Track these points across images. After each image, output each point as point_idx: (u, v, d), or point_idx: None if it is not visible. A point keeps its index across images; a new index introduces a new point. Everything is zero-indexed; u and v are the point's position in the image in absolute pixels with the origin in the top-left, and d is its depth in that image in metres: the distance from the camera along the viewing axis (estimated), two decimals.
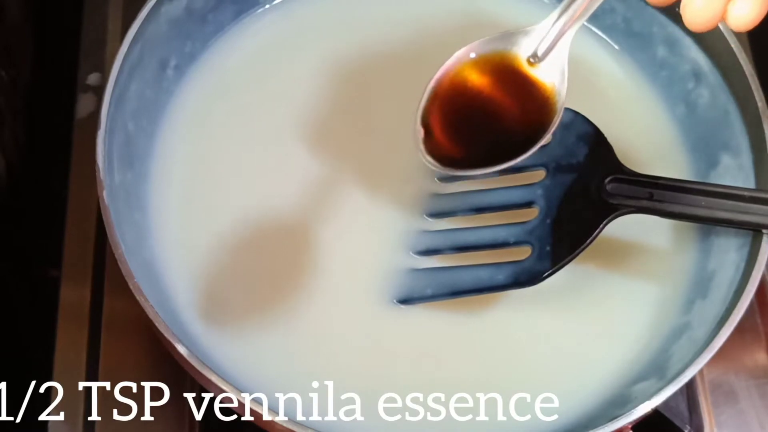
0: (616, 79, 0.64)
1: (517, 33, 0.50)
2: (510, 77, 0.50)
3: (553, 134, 0.55)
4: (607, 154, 0.54)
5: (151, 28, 0.57)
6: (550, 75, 0.50)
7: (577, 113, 0.55)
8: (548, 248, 0.53)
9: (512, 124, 0.50)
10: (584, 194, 0.53)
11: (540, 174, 0.55)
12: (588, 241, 0.52)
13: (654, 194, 0.53)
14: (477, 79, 0.50)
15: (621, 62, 0.64)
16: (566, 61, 0.49)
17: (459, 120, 0.50)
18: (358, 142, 0.60)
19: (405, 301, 0.56)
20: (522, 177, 0.56)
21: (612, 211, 0.52)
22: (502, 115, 0.50)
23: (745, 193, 0.53)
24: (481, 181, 0.57)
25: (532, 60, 0.50)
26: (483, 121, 0.51)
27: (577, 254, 0.52)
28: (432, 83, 0.50)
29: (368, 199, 0.58)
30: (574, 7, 0.48)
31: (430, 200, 0.58)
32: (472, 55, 0.50)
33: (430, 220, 0.58)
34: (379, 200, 0.58)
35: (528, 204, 0.55)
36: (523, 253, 0.54)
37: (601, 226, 0.52)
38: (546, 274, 0.52)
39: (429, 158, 0.50)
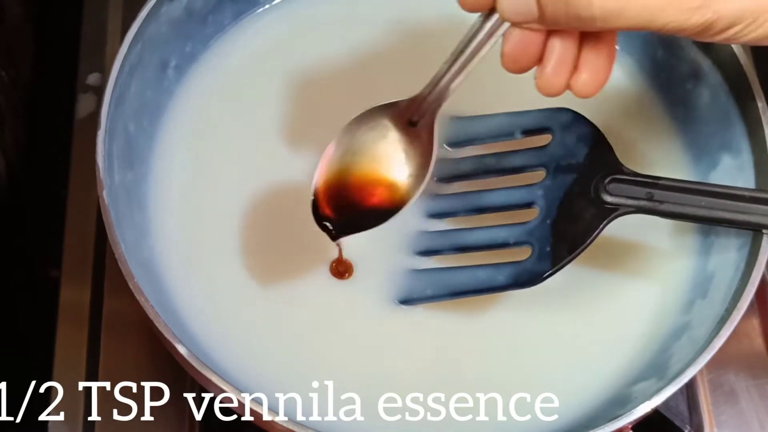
0: (616, 80, 0.64)
1: (398, 102, 0.51)
2: (390, 142, 0.52)
3: (554, 134, 0.55)
4: (607, 155, 0.54)
5: (152, 28, 0.57)
6: (424, 133, 0.51)
7: (577, 114, 0.55)
8: (548, 249, 0.53)
9: (392, 183, 0.52)
10: (584, 195, 0.53)
11: (540, 174, 0.55)
12: (588, 242, 0.52)
13: (654, 194, 0.52)
14: (362, 147, 0.52)
15: (620, 63, 0.64)
16: (436, 121, 0.51)
17: (347, 184, 0.52)
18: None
19: (405, 301, 0.56)
20: (522, 178, 0.56)
21: (612, 211, 0.52)
22: (385, 176, 0.52)
23: (746, 193, 0.53)
24: (481, 181, 0.57)
25: (410, 124, 0.51)
26: (369, 183, 0.52)
27: (577, 255, 0.52)
28: (326, 152, 0.52)
29: None
30: (439, 87, 0.50)
31: (430, 201, 0.58)
32: (357, 125, 0.52)
33: (430, 220, 0.58)
34: None
35: (528, 204, 0.55)
36: (523, 253, 0.53)
37: (600, 226, 0.52)
38: (545, 274, 0.52)
39: (324, 224, 0.51)
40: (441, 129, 0.52)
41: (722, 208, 0.52)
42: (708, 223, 0.55)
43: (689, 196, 0.52)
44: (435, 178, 0.58)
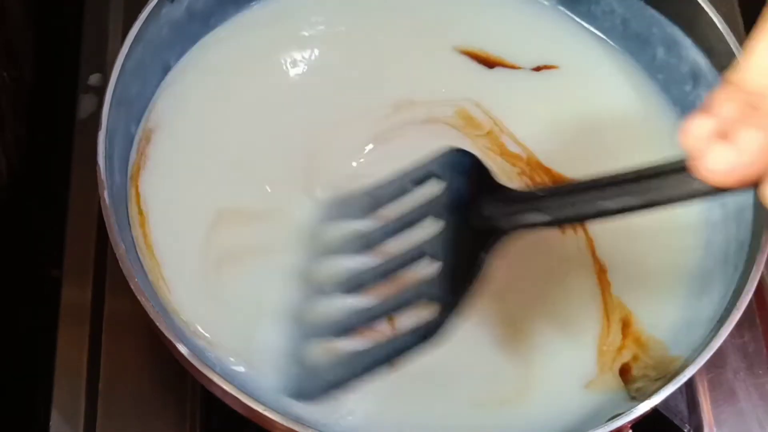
0: (615, 80, 0.64)
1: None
2: None
3: (440, 178, 0.52)
4: (484, 179, 0.51)
5: (152, 29, 0.58)
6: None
7: (453, 149, 0.52)
8: (448, 297, 0.49)
9: None
10: (467, 227, 0.49)
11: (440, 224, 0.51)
12: (473, 280, 0.48)
13: (539, 207, 0.49)
14: None
15: (620, 63, 0.64)
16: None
17: None
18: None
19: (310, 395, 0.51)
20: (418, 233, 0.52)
21: (488, 236, 0.49)
22: None
23: (630, 176, 0.47)
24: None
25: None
26: None
27: (465, 296, 0.48)
28: None
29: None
30: None
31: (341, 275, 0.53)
32: None
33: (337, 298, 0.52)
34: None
35: (431, 257, 0.50)
36: (430, 309, 0.49)
37: (480, 256, 0.49)
38: (439, 325, 0.48)
39: None
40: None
41: (611, 197, 0.47)
42: (601, 217, 0.49)
43: (575, 197, 0.48)
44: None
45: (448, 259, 0.49)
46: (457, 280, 0.49)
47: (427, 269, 0.50)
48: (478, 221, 0.50)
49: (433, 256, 0.50)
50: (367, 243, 0.52)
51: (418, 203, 0.51)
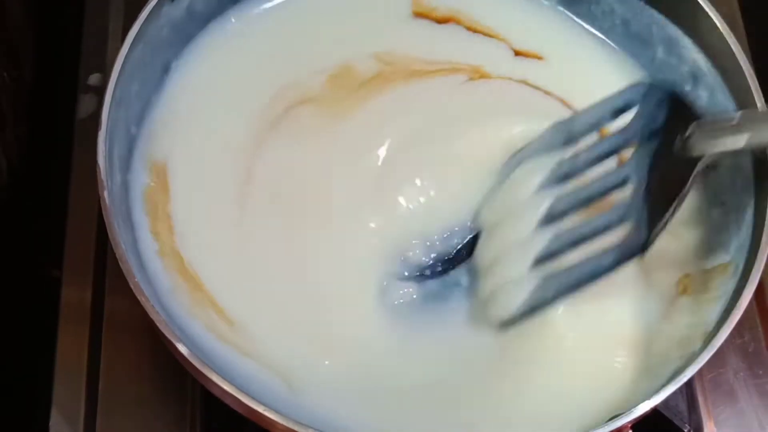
0: (615, 81, 0.64)
1: None
2: None
3: (638, 107, 0.55)
4: (685, 111, 0.54)
5: (152, 29, 0.58)
6: None
7: (650, 84, 0.56)
8: (645, 216, 0.53)
9: None
10: (669, 153, 0.53)
11: (631, 150, 0.55)
12: (681, 195, 0.52)
13: (740, 125, 0.52)
14: None
15: (620, 63, 0.64)
16: None
17: None
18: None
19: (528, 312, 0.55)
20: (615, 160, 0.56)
21: (697, 160, 0.52)
22: None
23: None
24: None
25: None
26: None
27: (674, 211, 0.52)
28: None
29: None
30: None
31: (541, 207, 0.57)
32: None
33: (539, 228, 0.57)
34: None
35: (624, 182, 0.55)
36: (623, 232, 0.54)
37: (691, 177, 0.52)
38: (647, 241, 0.52)
39: None
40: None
41: None
42: None
43: None
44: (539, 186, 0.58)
45: (652, 183, 0.53)
46: (662, 201, 0.52)
47: (628, 192, 0.54)
48: (683, 147, 0.53)
49: (635, 182, 0.54)
50: (568, 172, 0.56)
51: (618, 130, 0.56)
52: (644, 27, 0.63)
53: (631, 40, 0.64)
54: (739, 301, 0.52)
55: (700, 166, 0.52)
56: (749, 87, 0.57)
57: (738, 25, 0.72)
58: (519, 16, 0.65)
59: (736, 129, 0.52)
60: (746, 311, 0.52)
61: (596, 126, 0.57)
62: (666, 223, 0.53)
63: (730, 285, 0.54)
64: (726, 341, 0.51)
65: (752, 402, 0.62)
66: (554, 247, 0.55)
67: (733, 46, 0.58)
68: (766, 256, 0.53)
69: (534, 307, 0.55)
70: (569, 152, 0.57)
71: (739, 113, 0.55)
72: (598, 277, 0.54)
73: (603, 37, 0.65)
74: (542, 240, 0.55)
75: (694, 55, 0.61)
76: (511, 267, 0.56)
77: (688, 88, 0.61)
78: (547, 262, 0.55)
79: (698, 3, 0.59)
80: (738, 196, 0.57)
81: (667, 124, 0.54)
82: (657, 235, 0.53)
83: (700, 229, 0.59)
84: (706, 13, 0.59)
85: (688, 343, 0.54)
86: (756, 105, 0.56)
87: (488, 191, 0.58)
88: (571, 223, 0.56)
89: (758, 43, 0.69)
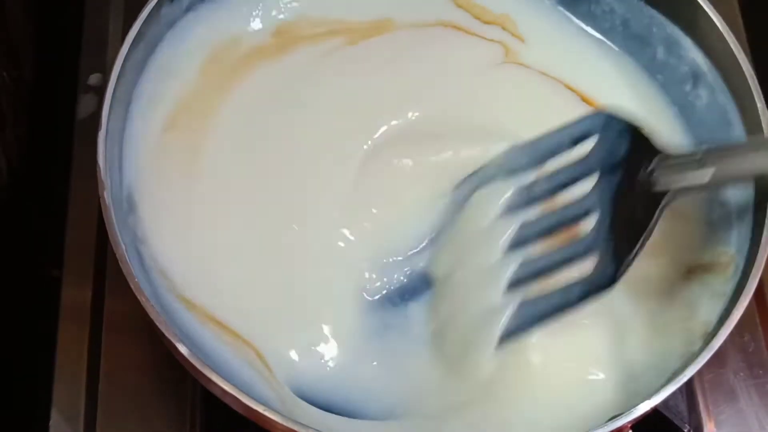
0: (615, 81, 0.64)
1: None
2: None
3: (597, 138, 0.55)
4: (646, 144, 0.53)
5: (152, 29, 0.58)
6: None
7: (610, 114, 0.55)
8: (611, 250, 0.52)
9: None
10: (633, 188, 0.53)
11: (592, 181, 0.55)
12: (646, 234, 0.51)
13: (704, 161, 0.51)
14: None
15: (620, 63, 0.64)
16: None
17: None
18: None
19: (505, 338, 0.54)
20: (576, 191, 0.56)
21: (662, 196, 0.51)
22: None
23: None
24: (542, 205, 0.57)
25: None
26: None
27: (640, 247, 0.51)
28: None
29: None
30: None
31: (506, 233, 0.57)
32: None
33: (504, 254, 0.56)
34: None
35: (587, 213, 0.54)
36: (590, 264, 0.53)
37: (655, 215, 0.51)
38: (617, 274, 0.51)
39: None
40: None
41: None
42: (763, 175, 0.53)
43: (742, 155, 0.51)
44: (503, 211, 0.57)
45: (617, 216, 0.53)
46: (629, 237, 0.52)
47: (592, 224, 0.54)
48: (647, 182, 0.52)
49: (599, 214, 0.53)
50: (530, 197, 0.56)
51: (578, 159, 0.55)
52: (644, 27, 0.63)
53: (630, 40, 0.64)
54: (739, 301, 0.52)
55: (665, 202, 0.51)
56: (749, 87, 0.57)
57: (738, 25, 0.72)
58: (519, 16, 0.65)
59: (701, 164, 0.51)
60: (746, 311, 0.52)
61: (553, 153, 0.56)
62: (634, 258, 0.51)
63: (730, 285, 0.54)
64: (726, 341, 0.51)
65: (752, 402, 0.62)
66: (522, 275, 0.54)
67: (733, 46, 0.58)
68: (766, 256, 0.53)
69: (507, 338, 0.54)
70: (527, 178, 0.56)
71: (703, 147, 0.54)
72: (566, 311, 0.53)
73: (602, 38, 0.65)
74: (510, 267, 0.55)
75: (694, 55, 0.61)
76: (481, 297, 0.55)
77: (687, 87, 0.61)
78: (516, 290, 0.54)
79: (698, 3, 0.59)
80: (738, 195, 0.57)
81: (630, 156, 0.53)
82: (624, 271, 0.51)
83: (700, 229, 0.59)
84: (706, 13, 0.59)
85: (688, 343, 0.54)
86: (756, 106, 0.56)
87: (441, 215, 0.58)
88: (539, 248, 0.55)
89: (758, 43, 0.69)
